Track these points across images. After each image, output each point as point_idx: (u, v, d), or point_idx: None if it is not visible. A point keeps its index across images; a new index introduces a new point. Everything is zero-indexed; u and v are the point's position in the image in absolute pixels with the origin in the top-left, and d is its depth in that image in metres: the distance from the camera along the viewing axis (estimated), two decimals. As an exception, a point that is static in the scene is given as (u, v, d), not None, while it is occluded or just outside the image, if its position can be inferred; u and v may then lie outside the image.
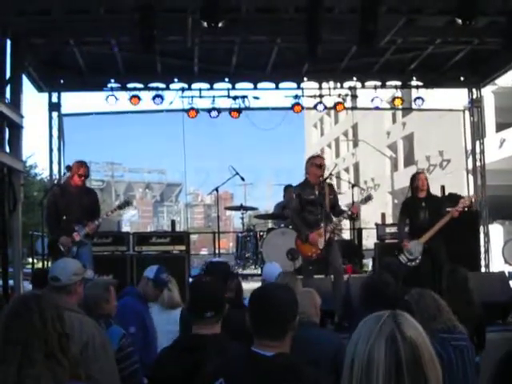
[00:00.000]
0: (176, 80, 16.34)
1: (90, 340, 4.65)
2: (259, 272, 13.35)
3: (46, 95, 16.22)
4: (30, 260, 16.08)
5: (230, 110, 16.69)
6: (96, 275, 11.13)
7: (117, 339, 5.54)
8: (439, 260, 10.75)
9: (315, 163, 10.57)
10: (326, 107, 17.48)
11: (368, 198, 10.73)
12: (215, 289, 4.40)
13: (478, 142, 17.31)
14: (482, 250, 15.22)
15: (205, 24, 10.65)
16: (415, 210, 11.07)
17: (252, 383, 3.36)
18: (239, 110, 16.66)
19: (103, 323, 5.76)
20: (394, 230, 13.65)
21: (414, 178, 11.39)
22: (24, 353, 3.10)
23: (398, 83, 16.98)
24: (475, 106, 17.27)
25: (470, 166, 17.58)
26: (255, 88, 16.65)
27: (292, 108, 16.77)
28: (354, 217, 11.92)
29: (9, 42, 12.00)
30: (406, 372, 2.12)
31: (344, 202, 11.01)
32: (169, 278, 7.71)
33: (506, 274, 11.52)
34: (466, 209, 11.35)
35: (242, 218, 15.63)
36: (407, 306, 5.21)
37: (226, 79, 16.39)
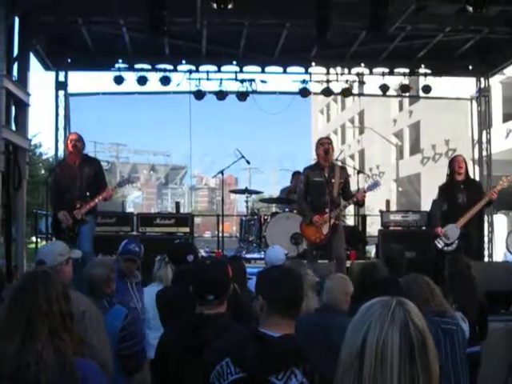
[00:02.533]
0: (184, 62, 16.30)
1: (86, 309, 4.70)
2: (262, 256, 13.36)
3: (53, 74, 16.17)
4: (34, 239, 16.07)
5: (238, 94, 16.66)
6: (100, 255, 11.20)
7: (120, 318, 5.56)
8: (472, 247, 10.73)
9: (320, 143, 10.60)
10: (333, 93, 17.44)
11: (375, 185, 10.71)
12: (217, 272, 4.38)
13: (484, 132, 17.26)
14: (486, 239, 15.22)
15: (214, 6, 10.63)
16: (453, 193, 10.92)
17: (258, 363, 3.36)
18: (246, 94, 16.63)
19: (106, 303, 5.77)
20: (398, 217, 13.66)
21: (452, 161, 11.20)
22: (27, 328, 3.11)
23: (406, 70, 16.89)
24: (483, 95, 17.21)
25: (476, 156, 17.53)
26: (263, 72, 16.59)
27: (299, 93, 16.74)
28: (360, 204, 11.92)
29: (17, 20, 11.98)
30: (418, 358, 2.19)
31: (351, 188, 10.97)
32: (141, 247, 7.74)
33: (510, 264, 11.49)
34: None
35: (247, 202, 15.60)
36: (399, 293, 5.21)
37: (234, 62, 16.35)
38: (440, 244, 10.74)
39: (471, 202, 10.74)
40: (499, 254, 15.80)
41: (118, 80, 15.88)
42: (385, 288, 5.79)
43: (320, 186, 10.43)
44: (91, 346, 4.53)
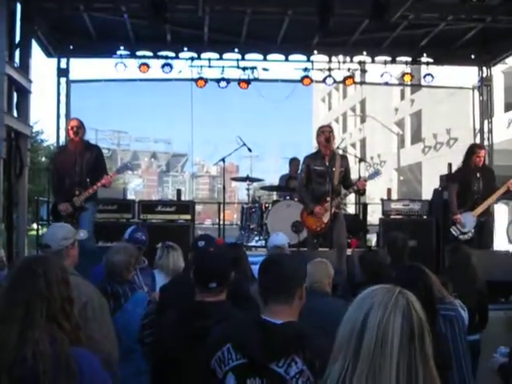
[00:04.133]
0: (185, 49, 16.29)
1: (88, 300, 4.67)
2: (263, 244, 13.37)
3: (54, 61, 16.17)
4: (35, 226, 16.09)
5: (239, 81, 16.67)
6: (101, 241, 11.20)
7: (143, 304, 5.59)
8: (487, 236, 10.74)
9: (321, 131, 10.58)
10: (335, 81, 17.43)
11: (376, 174, 10.71)
12: (219, 260, 4.39)
13: (486, 121, 17.27)
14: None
15: (216, -7, 10.61)
16: (469, 180, 10.86)
17: (259, 350, 3.38)
18: (248, 81, 16.63)
19: (128, 288, 5.80)
20: (399, 205, 13.63)
21: (472, 150, 11.02)
22: (26, 314, 3.10)
23: (409, 59, 16.86)
24: (485, 84, 17.21)
25: (478, 145, 17.52)
26: (265, 59, 16.58)
27: (301, 81, 16.75)
28: (361, 192, 11.91)
29: (19, 6, 11.96)
30: (417, 344, 2.27)
31: (351, 177, 10.98)
32: (146, 235, 7.78)
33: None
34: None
35: (248, 190, 15.61)
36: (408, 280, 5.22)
37: (236, 50, 16.34)
38: (456, 232, 10.73)
39: (486, 190, 10.73)
40: (500, 244, 15.82)
41: (120, 68, 15.87)
42: (387, 276, 5.83)
43: (321, 175, 10.43)
44: (93, 338, 4.53)
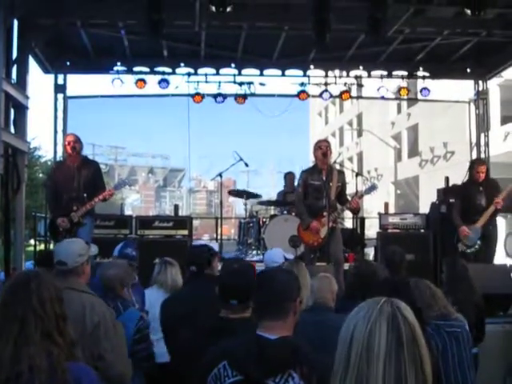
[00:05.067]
0: (182, 65, 16.31)
1: (101, 320, 4.66)
2: (261, 259, 13.37)
3: (51, 77, 16.20)
4: (32, 242, 16.07)
5: (236, 96, 16.70)
6: (98, 257, 11.18)
7: (135, 321, 5.58)
8: (492, 248, 10.76)
9: (318, 146, 10.59)
10: (331, 95, 17.46)
11: (372, 188, 10.72)
12: (242, 277, 4.35)
13: (482, 135, 17.29)
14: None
15: (213, 8, 10.64)
16: (471, 195, 10.97)
17: (255, 366, 3.37)
18: (245, 96, 16.68)
19: (121, 305, 5.78)
20: (396, 219, 13.64)
21: (473, 166, 11.23)
22: (21, 331, 3.10)
23: (405, 73, 16.92)
24: (481, 98, 17.25)
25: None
26: (261, 74, 16.63)
27: (298, 95, 16.79)
28: (355, 211, 11.93)
29: (16, 23, 11.98)
30: (406, 349, 2.24)
31: (347, 191, 11.00)
32: (137, 250, 7.74)
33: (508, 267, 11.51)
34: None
35: (245, 204, 15.63)
36: (407, 294, 5.22)
37: (233, 65, 16.37)
38: (461, 247, 10.77)
39: (490, 203, 10.79)
40: (497, 257, 15.81)
41: (117, 83, 15.90)
42: (383, 289, 5.82)
43: (318, 190, 10.45)
44: (105, 358, 4.53)
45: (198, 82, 16.43)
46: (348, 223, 17.69)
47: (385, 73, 16.73)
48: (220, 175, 14.44)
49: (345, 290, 7.15)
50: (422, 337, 2.30)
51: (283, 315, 3.59)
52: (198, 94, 16.42)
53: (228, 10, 10.61)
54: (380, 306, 2.31)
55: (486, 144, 17.19)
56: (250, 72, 16.63)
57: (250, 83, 16.56)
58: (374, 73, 16.85)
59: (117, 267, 6.22)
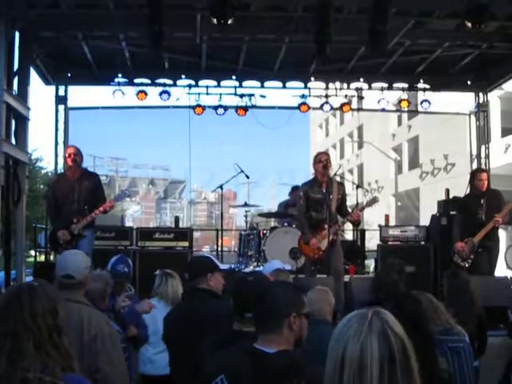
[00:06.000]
0: (183, 76, 16.34)
1: (98, 332, 4.65)
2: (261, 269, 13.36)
3: (52, 88, 16.21)
4: (33, 253, 16.08)
5: (237, 108, 16.71)
6: (98, 269, 11.17)
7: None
8: (488, 261, 10.75)
9: (319, 159, 10.60)
10: (332, 107, 17.49)
11: (373, 201, 10.71)
12: (256, 290, 4.29)
13: (483, 147, 17.28)
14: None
15: (214, 21, 10.67)
16: (472, 208, 10.97)
17: (253, 380, 3.36)
18: (246, 108, 16.68)
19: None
20: (397, 231, 13.65)
21: (473, 176, 11.26)
22: (14, 345, 3.08)
23: (405, 85, 16.95)
24: (481, 110, 17.24)
25: (475, 171, 17.54)
26: (262, 86, 16.65)
27: (298, 107, 16.79)
28: (355, 223, 11.93)
29: (17, 34, 12.01)
30: (398, 364, 2.21)
31: (348, 203, 11.02)
32: (130, 265, 7.73)
33: (509, 279, 11.50)
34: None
35: (246, 216, 15.64)
36: (415, 305, 5.20)
37: (234, 77, 16.39)
38: (456, 259, 10.79)
39: (490, 215, 10.75)
40: (498, 269, 15.79)
41: (118, 95, 15.92)
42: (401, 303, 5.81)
43: (318, 202, 10.46)
44: (102, 371, 4.52)
45: (199, 93, 16.45)
46: (348, 235, 17.70)
47: (385, 85, 16.75)
48: (221, 187, 14.46)
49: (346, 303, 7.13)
50: (411, 348, 2.28)
51: (278, 329, 3.58)
52: (198, 105, 16.43)
53: (229, 22, 10.63)
54: (369, 322, 2.28)
55: (487, 156, 17.19)
56: (250, 84, 16.66)
57: (250, 95, 16.57)
58: (374, 85, 16.86)
59: (100, 281, 6.18)
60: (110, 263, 7.64)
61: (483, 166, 17.01)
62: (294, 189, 15.23)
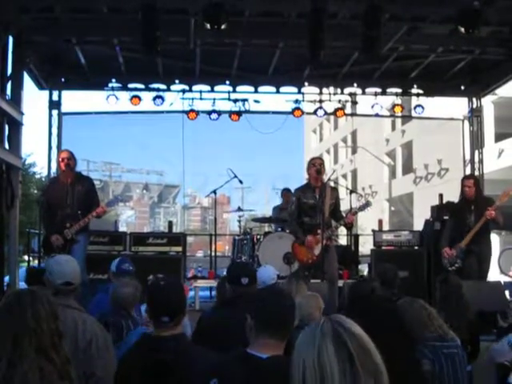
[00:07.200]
0: (177, 81, 16.35)
1: (93, 338, 4.65)
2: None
3: (46, 93, 16.18)
4: (26, 258, 16.03)
5: (230, 113, 16.71)
6: (92, 274, 11.18)
7: None
8: (476, 265, 10.78)
9: (312, 163, 10.61)
10: (326, 113, 17.49)
11: (366, 205, 10.73)
12: (170, 294, 4.28)
13: (476, 152, 17.30)
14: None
15: (208, 26, 10.68)
16: (462, 214, 11.05)
17: (245, 386, 3.35)
18: (239, 113, 16.67)
19: (131, 323, 5.78)
20: (390, 236, 13.68)
21: (462, 182, 11.32)
22: (15, 349, 3.08)
23: (399, 90, 16.99)
24: (475, 115, 17.27)
25: (469, 176, 17.56)
26: (256, 91, 16.65)
27: (292, 112, 16.78)
28: (348, 226, 11.95)
29: (11, 39, 12.00)
30: (358, 363, 2.18)
31: (341, 208, 11.02)
32: (133, 266, 7.76)
33: (502, 284, 11.51)
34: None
35: (239, 221, 15.64)
36: (393, 311, 5.22)
37: (227, 82, 16.40)
38: (445, 264, 10.84)
39: (477, 221, 10.80)
40: (491, 274, 15.81)
41: (112, 100, 15.91)
42: (377, 305, 5.81)
43: (312, 208, 10.46)
44: (96, 375, 4.51)
45: (192, 98, 16.45)
46: (342, 240, 17.68)
47: (379, 90, 16.78)
48: (214, 192, 14.44)
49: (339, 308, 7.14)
50: (372, 344, 2.26)
51: (287, 335, 3.60)
52: (192, 110, 16.42)
53: (223, 27, 10.65)
54: (321, 327, 2.28)
55: (480, 161, 17.22)
56: (244, 89, 16.67)
57: (244, 100, 16.57)
58: (368, 90, 16.89)
59: (131, 286, 6.22)
60: (113, 265, 7.69)
61: (477, 171, 17.05)
62: (284, 191, 15.28)
